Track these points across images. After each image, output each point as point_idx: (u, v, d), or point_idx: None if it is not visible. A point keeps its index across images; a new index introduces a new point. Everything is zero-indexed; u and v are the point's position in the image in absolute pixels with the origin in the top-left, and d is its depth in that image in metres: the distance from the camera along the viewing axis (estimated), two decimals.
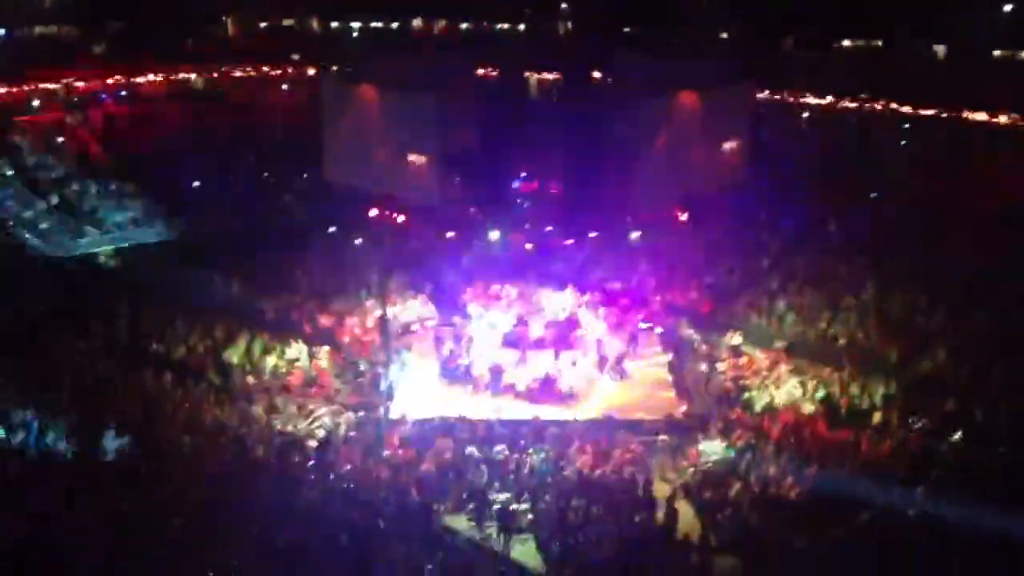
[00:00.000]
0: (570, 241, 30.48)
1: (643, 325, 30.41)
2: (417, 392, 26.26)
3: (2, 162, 35.15)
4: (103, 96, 43.12)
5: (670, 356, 28.46)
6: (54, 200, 33.80)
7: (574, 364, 27.51)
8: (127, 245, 33.17)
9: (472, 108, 31.81)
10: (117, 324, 27.25)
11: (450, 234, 35.48)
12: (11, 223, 32.38)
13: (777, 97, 39.26)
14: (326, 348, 28.59)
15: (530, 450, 22.46)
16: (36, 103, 41.10)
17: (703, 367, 27.90)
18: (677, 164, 28.29)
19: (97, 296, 28.27)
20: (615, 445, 22.75)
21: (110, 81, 43.08)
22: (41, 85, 41.31)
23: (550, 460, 21.92)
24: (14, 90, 40.50)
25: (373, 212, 34.63)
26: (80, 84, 42.03)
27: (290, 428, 23.46)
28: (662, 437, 23.40)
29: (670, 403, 25.58)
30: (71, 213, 33.65)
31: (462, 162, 32.32)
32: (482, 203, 34.43)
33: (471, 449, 22.38)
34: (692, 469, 22.18)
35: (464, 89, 31.98)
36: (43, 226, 32.40)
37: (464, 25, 51.80)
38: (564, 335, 28.73)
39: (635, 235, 34.85)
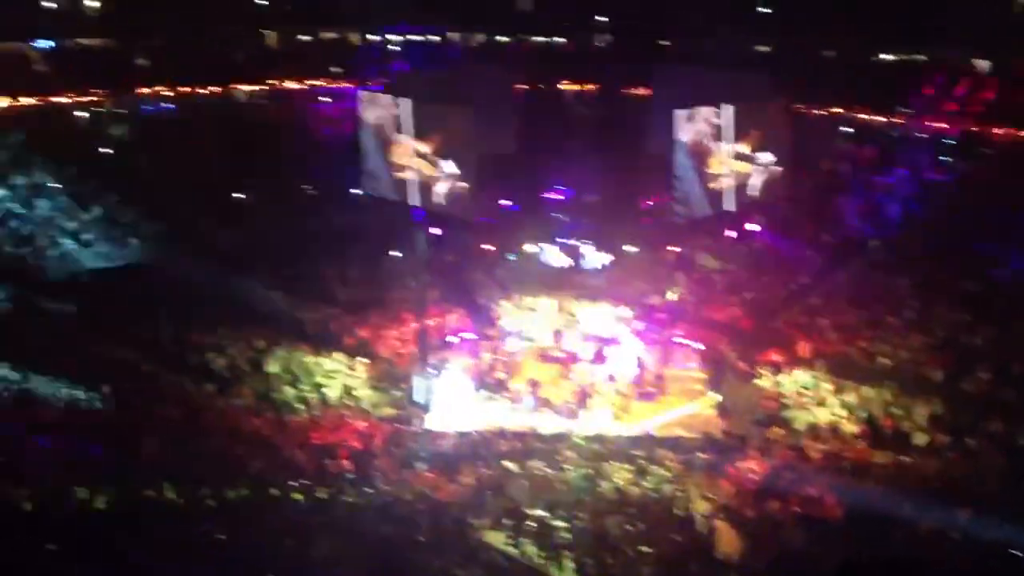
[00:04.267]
0: (607, 254, 30.42)
1: (681, 340, 30.28)
2: (454, 405, 26.29)
3: (46, 172, 35.51)
4: (146, 108, 43.68)
5: (709, 373, 28.28)
6: (98, 210, 34.21)
7: (611, 379, 27.42)
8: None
9: (509, 121, 31.78)
10: (161, 332, 27.58)
11: (487, 247, 35.51)
12: (53, 233, 32.75)
13: (817, 110, 38.90)
14: (364, 360, 28.72)
15: (567, 466, 22.38)
16: (81, 114, 41.76)
17: (742, 385, 27.72)
18: (715, 178, 28.03)
19: (141, 304, 28.55)
20: (653, 462, 22.63)
21: (154, 91, 43.75)
22: (83, 97, 41.92)
23: (588, 476, 21.81)
24: (58, 100, 41.14)
25: (410, 225, 34.70)
26: (123, 96, 42.63)
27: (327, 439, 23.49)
28: (701, 455, 23.20)
29: (709, 421, 25.39)
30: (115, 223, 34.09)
31: (499, 175, 32.30)
32: (519, 216, 34.45)
33: (508, 464, 22.34)
34: (732, 488, 21.97)
35: (501, 102, 31.91)
36: (88, 236, 32.84)
37: (502, 38, 51.86)
38: (601, 350, 28.62)
39: (673, 249, 34.69)
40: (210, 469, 21.01)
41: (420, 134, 26.46)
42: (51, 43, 44.89)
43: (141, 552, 17.11)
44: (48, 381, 24.38)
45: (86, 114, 41.69)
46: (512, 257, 34.71)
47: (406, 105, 26.79)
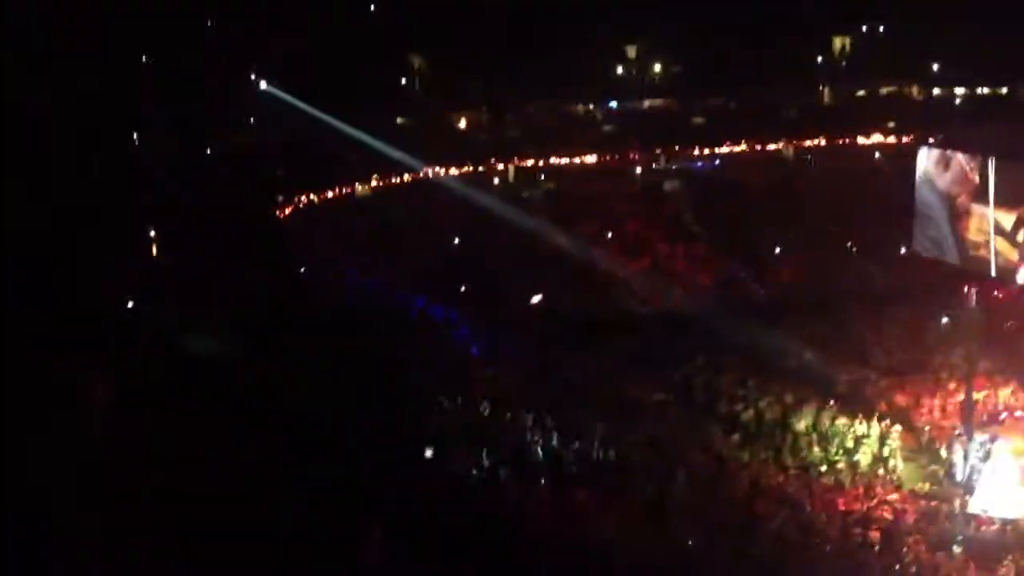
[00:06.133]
0: None
1: None
2: (1002, 489, 23.60)
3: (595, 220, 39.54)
4: (697, 164, 46.15)
5: None
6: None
7: None
8: None
9: None
10: (694, 379, 28.73)
11: None
12: None
13: None
14: (898, 428, 27.08)
15: None
16: (638, 169, 45.44)
17: None
18: None
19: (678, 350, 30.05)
20: None
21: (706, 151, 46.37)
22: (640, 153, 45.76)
23: None
24: (619, 156, 45.41)
25: (969, 291, 32.06)
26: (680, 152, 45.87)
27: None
28: None
29: None
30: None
31: None
32: None
33: None
34: None
35: None
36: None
37: None
38: None
39: None
40: (731, 520, 21.18)
41: (997, 200, 24.24)
42: (616, 103, 49.94)
43: None
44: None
45: (640, 169, 45.28)
46: None
47: (980, 165, 24.79)
